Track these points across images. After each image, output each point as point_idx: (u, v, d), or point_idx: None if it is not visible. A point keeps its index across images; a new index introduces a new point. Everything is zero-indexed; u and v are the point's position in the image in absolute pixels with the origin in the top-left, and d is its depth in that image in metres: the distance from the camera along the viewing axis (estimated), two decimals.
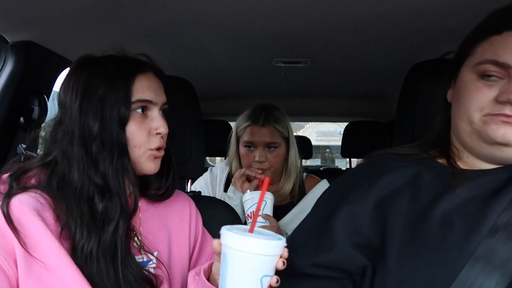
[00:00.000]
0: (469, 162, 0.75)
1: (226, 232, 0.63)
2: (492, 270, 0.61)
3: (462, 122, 0.72)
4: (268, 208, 1.33)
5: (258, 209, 0.73)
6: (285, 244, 0.64)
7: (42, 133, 1.36)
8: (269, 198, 1.34)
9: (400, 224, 0.69)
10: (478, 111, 0.69)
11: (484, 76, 0.69)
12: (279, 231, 1.32)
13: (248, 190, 1.38)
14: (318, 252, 0.73)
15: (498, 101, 0.67)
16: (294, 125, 1.62)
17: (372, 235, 0.71)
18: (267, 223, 1.31)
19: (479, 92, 0.69)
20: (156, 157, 0.85)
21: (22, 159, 0.88)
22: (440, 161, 0.77)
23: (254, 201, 1.32)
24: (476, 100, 0.69)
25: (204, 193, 1.52)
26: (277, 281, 0.64)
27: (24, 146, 1.25)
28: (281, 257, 0.64)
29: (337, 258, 0.72)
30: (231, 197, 1.42)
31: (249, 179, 1.44)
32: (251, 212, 1.31)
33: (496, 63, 0.67)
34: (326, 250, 0.72)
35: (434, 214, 0.67)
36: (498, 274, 0.61)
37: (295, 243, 0.78)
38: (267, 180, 0.69)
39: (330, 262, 0.73)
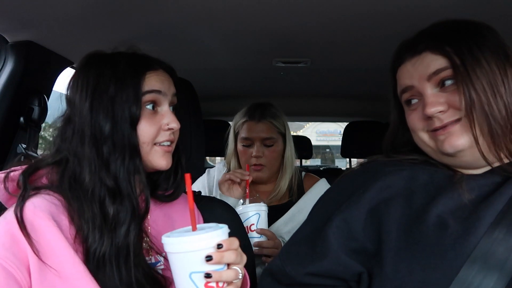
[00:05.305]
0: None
1: (162, 238, 0.65)
2: (490, 271, 0.61)
3: (423, 146, 0.77)
4: (262, 220, 1.28)
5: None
6: (207, 239, 0.63)
7: (42, 133, 1.36)
8: (262, 209, 1.29)
9: (395, 229, 0.69)
10: (422, 132, 0.75)
11: (408, 103, 0.78)
12: (277, 243, 1.29)
13: (241, 202, 1.33)
14: (312, 260, 0.73)
15: (426, 119, 0.73)
16: (294, 125, 1.63)
17: (367, 241, 0.71)
18: (263, 238, 1.28)
19: (412, 118, 0.76)
20: (166, 152, 0.83)
21: (22, 159, 0.87)
22: (433, 161, 0.78)
23: (246, 215, 1.26)
24: (415, 125, 0.76)
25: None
26: (208, 276, 0.62)
27: (24, 146, 1.25)
28: (220, 249, 0.63)
29: (331, 266, 0.72)
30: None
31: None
32: (245, 227, 1.25)
33: (405, 90, 0.76)
34: (319, 259, 0.73)
35: (429, 217, 0.67)
36: (496, 275, 0.61)
37: (290, 252, 0.78)
38: (187, 176, 0.70)
39: (324, 270, 0.73)
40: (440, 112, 0.70)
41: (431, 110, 0.70)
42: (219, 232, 0.65)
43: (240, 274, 0.68)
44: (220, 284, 0.64)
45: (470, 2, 1.08)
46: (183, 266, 0.63)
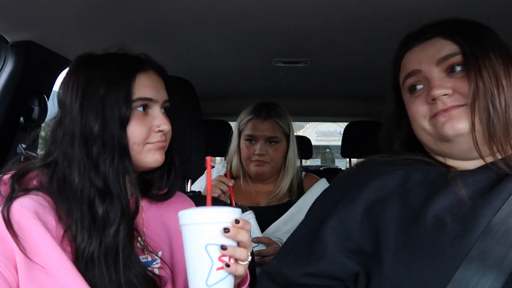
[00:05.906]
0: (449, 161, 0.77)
1: (180, 212, 0.67)
2: (487, 270, 0.61)
3: (422, 135, 0.77)
4: (254, 228, 1.26)
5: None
6: (226, 212, 0.66)
7: (42, 133, 1.36)
8: (250, 217, 1.27)
9: (393, 228, 0.69)
10: (423, 119, 0.75)
11: (412, 89, 0.77)
12: (276, 249, 1.27)
13: None
14: (309, 261, 0.74)
15: (430, 103, 0.73)
16: (294, 125, 1.62)
17: (364, 241, 0.71)
18: (260, 247, 1.26)
19: (415, 105, 0.76)
20: (159, 148, 0.83)
21: (22, 159, 0.87)
22: (427, 160, 0.78)
23: None
24: (417, 111, 0.76)
25: None
26: (224, 248, 0.64)
27: (24, 146, 1.25)
28: (236, 225, 0.65)
29: (328, 267, 0.72)
30: None
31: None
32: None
33: (410, 74, 0.77)
34: (316, 259, 0.73)
35: (426, 217, 0.67)
36: (494, 273, 0.61)
37: (287, 253, 0.79)
38: (208, 159, 0.72)
39: (321, 271, 0.73)
40: (445, 95, 0.71)
41: (437, 91, 0.71)
42: (236, 210, 0.68)
43: (249, 257, 0.70)
44: (232, 261, 0.66)
45: (470, 3, 1.08)
46: (200, 237, 0.65)
